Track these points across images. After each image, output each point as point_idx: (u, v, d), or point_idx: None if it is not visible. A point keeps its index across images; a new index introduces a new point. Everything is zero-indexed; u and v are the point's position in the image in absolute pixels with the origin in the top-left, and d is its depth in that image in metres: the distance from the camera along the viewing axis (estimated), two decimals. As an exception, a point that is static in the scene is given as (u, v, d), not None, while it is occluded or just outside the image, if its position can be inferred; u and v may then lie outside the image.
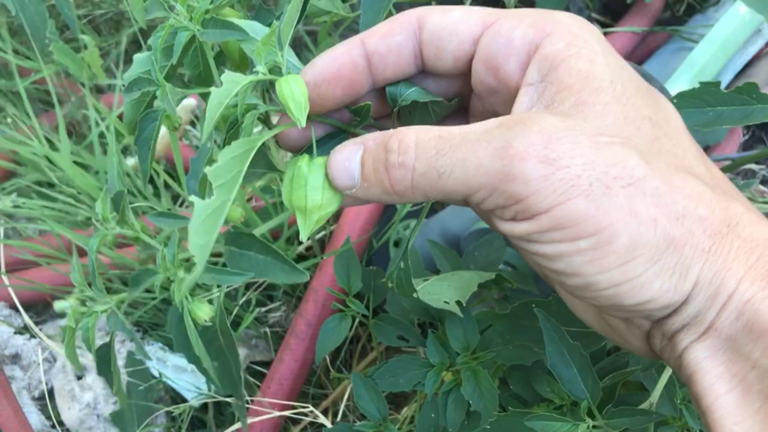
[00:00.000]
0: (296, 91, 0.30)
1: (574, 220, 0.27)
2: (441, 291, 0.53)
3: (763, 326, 0.26)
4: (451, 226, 0.76)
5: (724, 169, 0.67)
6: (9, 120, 0.79)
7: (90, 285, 0.41)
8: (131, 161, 0.82)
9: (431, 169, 0.28)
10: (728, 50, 0.79)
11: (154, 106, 0.37)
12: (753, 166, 1.06)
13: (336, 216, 0.82)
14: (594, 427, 0.43)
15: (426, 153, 0.29)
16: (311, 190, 0.31)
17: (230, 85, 0.29)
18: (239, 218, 0.45)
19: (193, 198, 0.27)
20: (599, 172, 0.26)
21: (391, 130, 0.30)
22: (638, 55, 0.96)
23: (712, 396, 0.28)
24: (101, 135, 0.83)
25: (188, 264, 0.36)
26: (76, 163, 0.84)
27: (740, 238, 0.27)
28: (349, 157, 0.31)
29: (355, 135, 0.35)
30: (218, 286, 0.39)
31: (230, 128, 0.35)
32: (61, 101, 0.92)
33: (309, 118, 0.32)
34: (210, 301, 0.40)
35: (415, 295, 0.44)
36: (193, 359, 0.37)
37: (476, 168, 0.27)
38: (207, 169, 0.28)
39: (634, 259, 0.27)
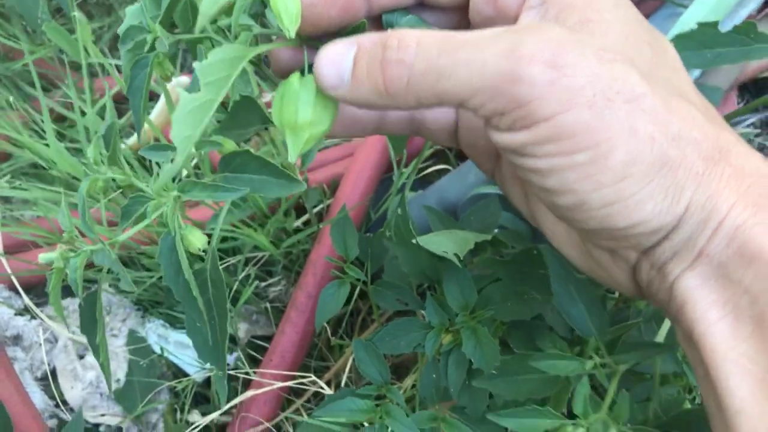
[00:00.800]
0: (290, 5, 0.29)
1: (573, 131, 0.26)
2: (438, 243, 0.53)
3: (755, 251, 0.26)
4: (448, 195, 0.76)
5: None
6: (4, 101, 0.79)
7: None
8: (130, 140, 0.82)
9: (431, 69, 0.27)
10: (719, 12, 0.78)
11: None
12: (750, 135, 1.06)
13: (333, 188, 0.82)
14: (602, 365, 0.43)
15: (428, 52, 0.27)
16: (302, 105, 0.30)
17: None
18: (233, 149, 0.43)
19: (179, 89, 0.26)
20: (603, 86, 0.26)
21: (390, 31, 0.29)
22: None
23: (704, 324, 0.28)
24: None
25: (180, 185, 0.35)
26: (69, 147, 0.84)
27: (731, 166, 0.27)
28: (341, 53, 0.29)
29: None
30: (212, 232, 0.38)
31: None
32: (55, 84, 0.93)
33: (302, 39, 0.32)
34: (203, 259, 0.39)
35: (414, 241, 0.44)
36: (183, 291, 0.36)
37: (480, 68, 0.26)
38: (196, 64, 0.27)
39: (628, 177, 0.27)
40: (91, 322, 0.45)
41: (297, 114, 0.30)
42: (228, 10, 0.31)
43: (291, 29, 0.29)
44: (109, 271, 0.77)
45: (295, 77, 0.31)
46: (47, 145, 0.73)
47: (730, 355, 0.27)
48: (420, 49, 0.27)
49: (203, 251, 0.37)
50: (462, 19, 0.34)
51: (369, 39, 0.29)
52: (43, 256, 0.38)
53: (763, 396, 0.26)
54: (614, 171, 0.26)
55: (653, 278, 0.30)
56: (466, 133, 0.38)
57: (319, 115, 0.31)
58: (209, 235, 0.41)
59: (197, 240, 0.35)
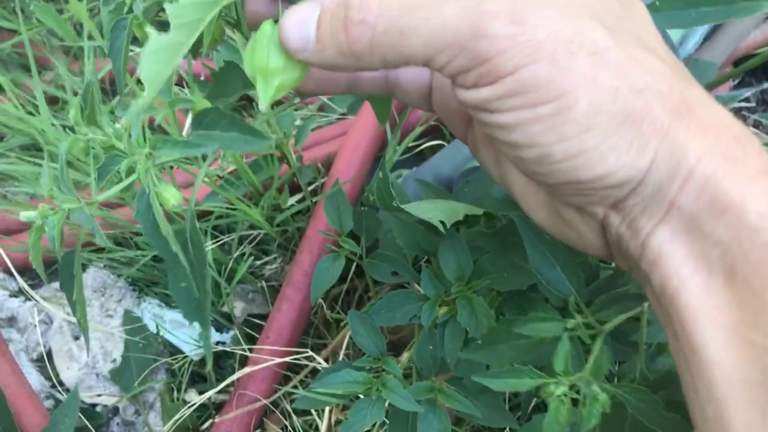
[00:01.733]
0: None
1: (536, 84, 0.26)
2: (427, 210, 0.53)
3: (725, 201, 0.26)
4: (443, 170, 0.75)
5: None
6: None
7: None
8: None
9: (393, 28, 0.27)
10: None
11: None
12: (745, 111, 1.06)
13: (327, 167, 0.82)
14: (585, 325, 0.43)
15: (389, 10, 0.27)
16: (274, 51, 0.29)
17: None
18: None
19: (149, 30, 0.26)
20: (565, 38, 0.26)
21: None
22: None
23: (678, 279, 0.28)
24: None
25: (153, 141, 0.35)
26: (64, 127, 0.84)
27: (697, 119, 0.27)
28: (305, 17, 0.29)
29: None
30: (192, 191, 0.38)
31: None
32: (45, 66, 0.92)
33: None
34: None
35: (395, 204, 0.44)
36: (162, 247, 0.36)
37: (443, 25, 0.26)
38: (167, 5, 0.26)
39: (592, 128, 0.26)
40: (68, 279, 0.45)
41: (268, 59, 0.30)
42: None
43: None
44: (104, 250, 0.77)
45: (268, 23, 0.30)
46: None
47: (704, 309, 0.27)
48: (381, 9, 0.27)
49: (178, 212, 0.37)
50: None
51: (331, 0, 0.29)
52: (24, 214, 0.38)
53: (736, 347, 0.26)
54: (577, 122, 0.26)
55: (623, 234, 0.30)
56: (438, 95, 0.38)
57: (291, 62, 0.30)
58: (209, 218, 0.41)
59: (172, 197, 0.35)
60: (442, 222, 0.53)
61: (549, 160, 0.28)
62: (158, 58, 0.27)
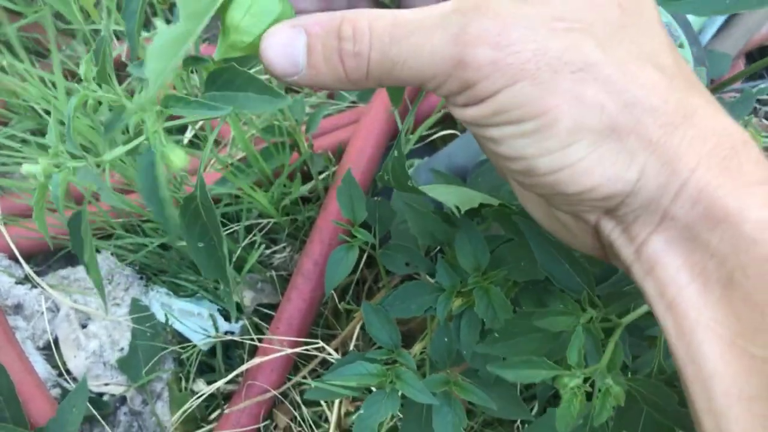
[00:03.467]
0: None
1: (518, 103, 0.27)
2: (442, 194, 0.52)
3: (720, 213, 0.26)
4: (457, 160, 0.74)
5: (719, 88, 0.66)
6: (4, 63, 0.76)
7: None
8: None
9: (386, 59, 0.28)
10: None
11: None
12: (757, 104, 1.05)
13: (338, 155, 0.81)
14: (601, 320, 0.42)
15: (381, 41, 0.28)
16: (237, 7, 0.29)
17: None
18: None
19: (158, 22, 0.25)
20: (550, 57, 0.26)
21: (339, 14, 0.29)
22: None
23: (674, 288, 0.28)
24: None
25: (164, 99, 0.34)
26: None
27: (695, 128, 0.27)
28: (289, 42, 0.29)
29: None
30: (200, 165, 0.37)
31: None
32: (50, 51, 0.90)
33: None
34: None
35: (409, 183, 0.43)
36: (157, 207, 0.35)
37: (431, 55, 0.27)
38: None
39: (575, 143, 0.27)
40: (78, 240, 0.44)
41: (227, 15, 0.29)
42: None
43: None
44: (112, 236, 0.76)
45: None
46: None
47: (701, 320, 0.27)
48: (374, 39, 0.28)
49: (184, 172, 0.36)
50: None
51: (319, 25, 0.29)
52: (26, 167, 0.36)
53: (735, 359, 0.26)
54: (560, 137, 0.27)
55: (615, 240, 0.30)
56: None
57: (247, 24, 0.30)
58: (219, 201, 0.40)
59: (178, 159, 0.34)
60: (457, 207, 0.52)
61: (535, 173, 0.29)
62: (165, 51, 0.27)
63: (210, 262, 0.38)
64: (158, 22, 0.27)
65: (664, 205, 0.28)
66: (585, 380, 0.42)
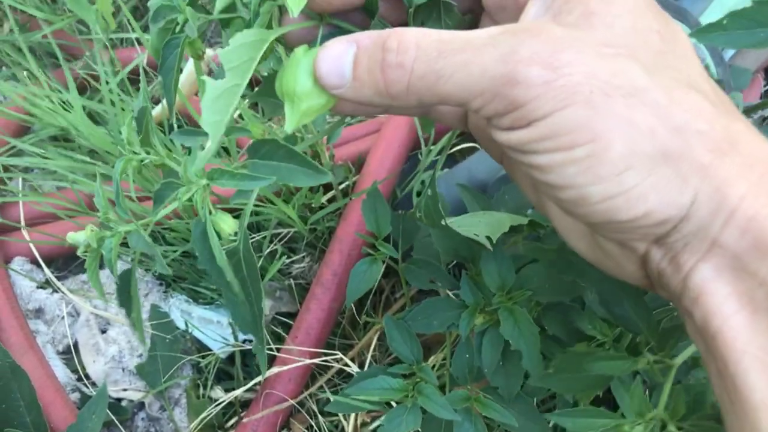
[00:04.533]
0: None
1: (571, 127, 0.26)
2: (472, 225, 0.52)
3: None
4: (478, 174, 0.74)
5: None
6: (25, 73, 0.77)
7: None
8: (155, 111, 0.81)
9: (430, 72, 0.28)
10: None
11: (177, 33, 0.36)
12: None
13: (358, 165, 0.81)
14: (655, 362, 0.42)
15: (427, 54, 0.28)
16: (302, 75, 0.30)
17: None
18: (262, 134, 0.44)
19: (204, 77, 0.26)
20: (601, 81, 0.26)
21: (389, 30, 0.29)
22: None
23: (721, 317, 0.27)
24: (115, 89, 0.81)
25: (210, 173, 0.35)
26: (91, 118, 0.83)
27: (741, 155, 0.27)
28: (341, 54, 0.29)
29: None
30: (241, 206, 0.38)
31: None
32: (76, 56, 0.91)
33: (320, 17, 0.32)
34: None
35: (443, 222, 0.43)
36: (217, 274, 0.36)
37: (479, 72, 0.27)
38: (219, 51, 0.27)
39: (629, 169, 0.26)
40: (126, 298, 0.46)
41: (296, 83, 0.30)
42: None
43: (295, 10, 0.28)
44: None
45: (301, 49, 0.30)
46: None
47: (749, 349, 0.26)
48: (419, 52, 0.28)
49: (235, 233, 0.37)
50: (475, 2, 0.34)
51: (368, 38, 0.29)
52: (71, 236, 0.38)
53: None
54: (614, 164, 0.26)
55: (664, 269, 0.30)
56: (475, 119, 0.38)
57: (319, 88, 0.30)
58: (239, 214, 0.41)
59: (227, 226, 0.35)
60: (488, 238, 0.52)
61: (587, 201, 0.28)
62: (217, 105, 0.27)
63: (246, 316, 0.39)
64: (205, 78, 0.28)
65: (713, 233, 0.27)
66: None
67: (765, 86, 1.07)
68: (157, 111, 0.81)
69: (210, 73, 0.83)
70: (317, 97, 0.30)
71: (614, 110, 0.26)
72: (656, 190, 0.27)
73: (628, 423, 0.39)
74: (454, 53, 0.27)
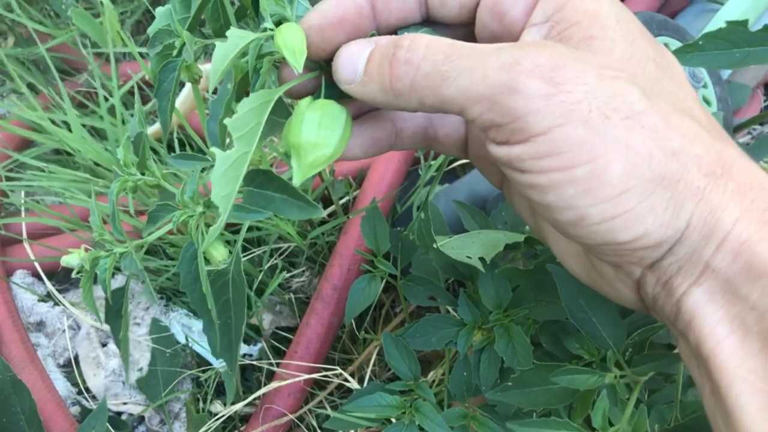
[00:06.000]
0: (289, 39, 0.29)
1: (570, 145, 0.27)
2: (465, 246, 0.53)
3: (761, 267, 0.26)
4: (478, 189, 0.75)
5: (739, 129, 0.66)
6: (24, 88, 0.78)
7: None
8: (152, 128, 0.81)
9: (436, 72, 0.28)
10: (758, 9, 0.77)
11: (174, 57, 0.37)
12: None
13: (359, 181, 0.81)
14: (622, 376, 0.42)
15: (434, 55, 0.29)
16: (306, 127, 0.30)
17: (235, 40, 0.29)
18: (257, 161, 0.44)
19: (214, 149, 0.27)
20: (600, 102, 0.27)
21: (406, 33, 0.30)
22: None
23: (713, 341, 0.28)
24: (118, 104, 0.82)
25: (207, 200, 0.35)
26: (92, 131, 0.84)
27: (734, 181, 0.27)
28: (359, 50, 0.31)
29: None
30: (238, 232, 0.38)
31: (243, 79, 0.35)
32: (78, 70, 0.92)
33: (321, 66, 0.33)
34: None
35: (435, 245, 0.44)
36: (197, 299, 0.36)
37: (482, 77, 0.27)
38: (227, 121, 0.28)
39: (627, 191, 0.27)
40: (116, 318, 0.46)
41: (301, 134, 0.30)
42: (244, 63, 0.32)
43: (298, 65, 0.29)
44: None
45: (304, 101, 0.31)
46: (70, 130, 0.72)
47: (739, 372, 0.27)
48: (428, 52, 0.29)
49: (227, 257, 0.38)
50: (468, 36, 0.34)
51: (386, 39, 0.31)
52: (65, 259, 0.39)
53: None
54: (612, 185, 0.27)
55: (658, 293, 0.30)
56: (474, 147, 0.39)
57: (324, 137, 0.31)
58: (236, 229, 0.41)
59: (219, 254, 0.36)
60: (482, 259, 0.52)
61: (585, 222, 0.28)
62: (227, 177, 0.28)
63: (222, 341, 0.39)
64: (214, 150, 0.28)
65: (706, 257, 0.28)
66: None
67: (765, 101, 1.07)
68: (155, 128, 0.81)
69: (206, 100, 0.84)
70: (323, 148, 0.31)
71: (613, 132, 0.27)
72: (653, 213, 0.27)
73: None
74: (461, 58, 0.28)
